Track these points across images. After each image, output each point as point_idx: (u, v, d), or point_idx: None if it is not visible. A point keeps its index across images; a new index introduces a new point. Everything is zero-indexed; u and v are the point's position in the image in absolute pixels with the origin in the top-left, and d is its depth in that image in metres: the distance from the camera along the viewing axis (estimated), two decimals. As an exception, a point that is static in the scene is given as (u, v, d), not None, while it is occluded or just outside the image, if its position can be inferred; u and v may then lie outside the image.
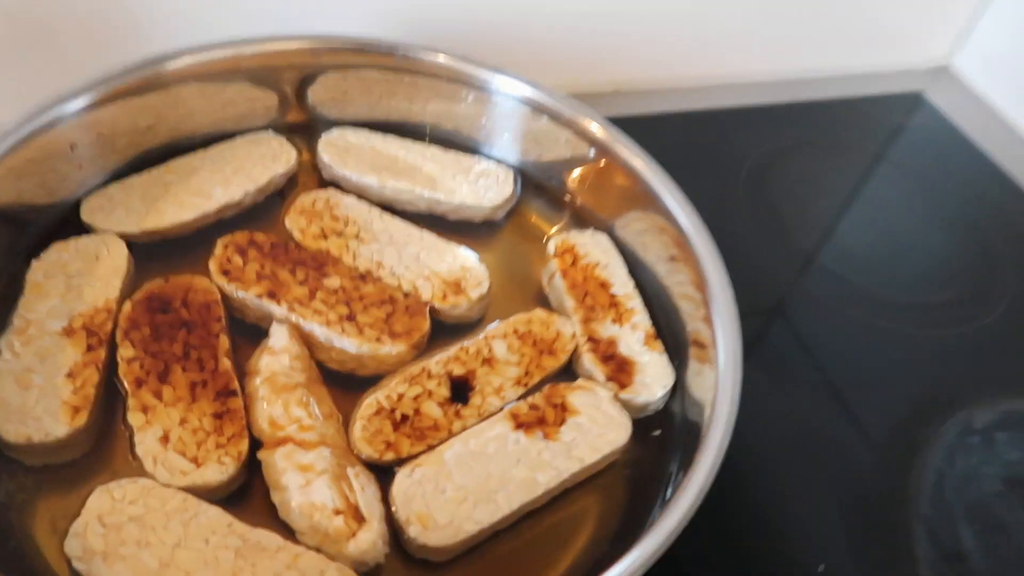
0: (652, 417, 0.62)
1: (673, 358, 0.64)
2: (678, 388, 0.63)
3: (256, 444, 0.55)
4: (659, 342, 0.64)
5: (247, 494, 0.54)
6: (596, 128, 0.70)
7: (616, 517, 0.58)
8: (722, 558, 0.62)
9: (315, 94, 0.73)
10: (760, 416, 0.58)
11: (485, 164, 0.74)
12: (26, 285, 0.58)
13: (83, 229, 0.63)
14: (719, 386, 0.56)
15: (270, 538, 0.50)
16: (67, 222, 0.63)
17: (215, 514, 0.51)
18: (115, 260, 0.60)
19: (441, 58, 0.71)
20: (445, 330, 0.64)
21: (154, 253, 0.63)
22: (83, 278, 0.59)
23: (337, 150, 0.72)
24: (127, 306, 0.58)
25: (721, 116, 0.93)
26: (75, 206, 0.64)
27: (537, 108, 0.72)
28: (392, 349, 0.60)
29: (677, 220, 0.64)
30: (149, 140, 0.68)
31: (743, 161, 0.88)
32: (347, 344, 0.59)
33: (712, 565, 0.61)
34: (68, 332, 0.56)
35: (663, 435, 0.62)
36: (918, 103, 1.04)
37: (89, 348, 0.56)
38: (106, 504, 0.50)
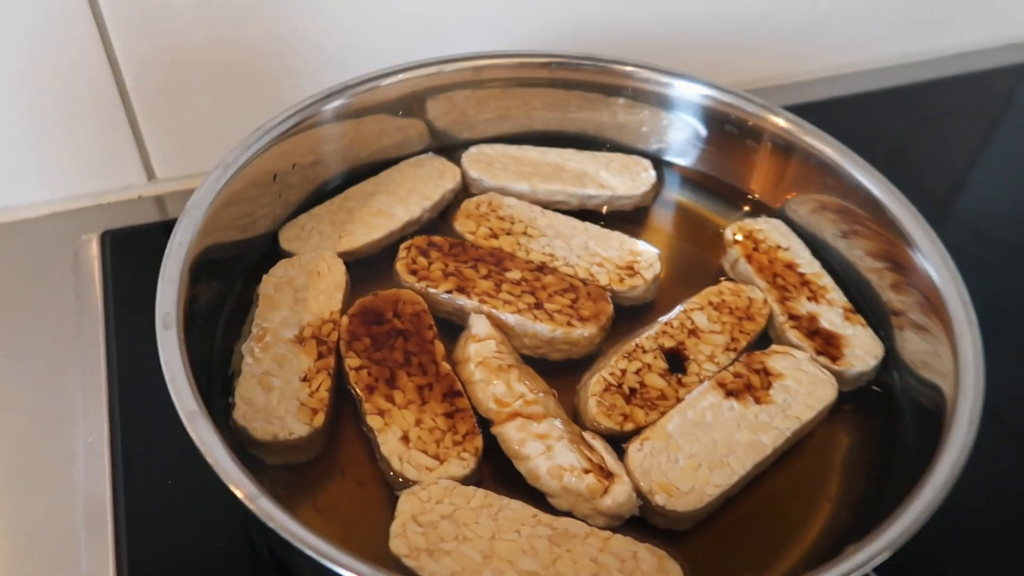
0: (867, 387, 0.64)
1: (877, 329, 0.65)
2: (890, 358, 0.64)
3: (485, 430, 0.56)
4: (859, 316, 0.65)
5: (483, 477, 0.56)
6: (774, 116, 0.72)
7: (855, 485, 0.59)
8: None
9: (439, 119, 0.75)
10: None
11: (620, 156, 0.77)
12: (259, 297, 0.62)
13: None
14: (959, 360, 0.55)
15: (576, 525, 0.51)
16: (265, 256, 0.66)
17: (517, 506, 0.52)
18: (335, 276, 0.64)
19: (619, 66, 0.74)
20: (622, 314, 0.65)
21: (351, 272, 0.66)
22: (308, 291, 0.62)
23: (481, 165, 0.74)
24: (344, 320, 0.61)
25: (847, 103, 0.98)
26: (270, 240, 0.68)
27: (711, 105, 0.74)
28: (584, 332, 0.62)
29: (871, 191, 0.66)
30: (320, 174, 0.72)
31: (877, 142, 0.91)
32: (541, 329, 0.61)
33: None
34: (300, 340, 0.59)
35: (884, 403, 0.63)
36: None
37: (320, 355, 0.58)
38: (416, 506, 0.51)
